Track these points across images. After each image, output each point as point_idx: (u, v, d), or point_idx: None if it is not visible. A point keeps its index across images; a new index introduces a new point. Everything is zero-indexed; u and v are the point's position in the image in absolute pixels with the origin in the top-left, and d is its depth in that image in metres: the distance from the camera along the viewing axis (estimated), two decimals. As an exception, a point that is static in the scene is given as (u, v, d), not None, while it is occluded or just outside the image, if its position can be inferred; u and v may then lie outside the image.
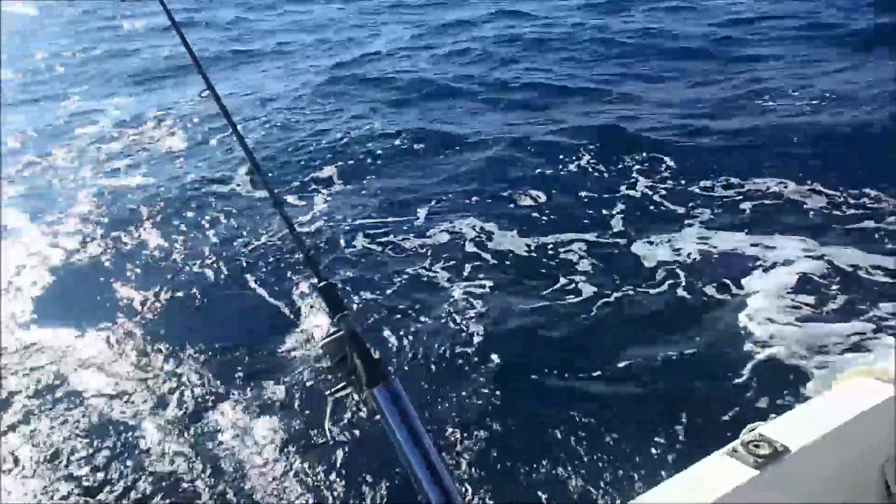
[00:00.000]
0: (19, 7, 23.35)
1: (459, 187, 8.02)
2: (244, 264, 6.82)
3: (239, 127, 1.98)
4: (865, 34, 11.56)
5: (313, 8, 18.46)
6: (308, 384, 5.04)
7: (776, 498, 1.78)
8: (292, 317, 5.95)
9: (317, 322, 5.71)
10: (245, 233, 7.41)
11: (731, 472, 1.74)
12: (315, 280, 1.55)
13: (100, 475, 4.50)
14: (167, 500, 4.27)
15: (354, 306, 5.89)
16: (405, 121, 10.26)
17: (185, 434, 4.75)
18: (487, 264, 6.47)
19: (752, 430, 1.83)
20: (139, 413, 5.00)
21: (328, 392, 1.47)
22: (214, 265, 6.84)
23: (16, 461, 4.65)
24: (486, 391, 4.80)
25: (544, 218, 7.21)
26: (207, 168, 9.25)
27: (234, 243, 7.22)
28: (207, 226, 7.66)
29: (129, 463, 4.57)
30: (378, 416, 1.41)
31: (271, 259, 6.86)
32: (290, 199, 8.12)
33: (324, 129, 10.14)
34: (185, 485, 4.34)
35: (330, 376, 1.50)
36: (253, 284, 6.49)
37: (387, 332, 5.51)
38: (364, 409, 1.44)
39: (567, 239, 6.75)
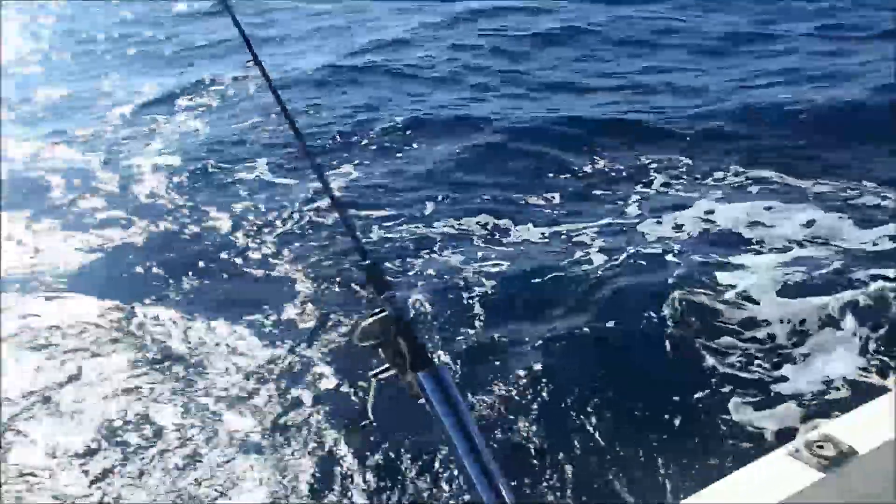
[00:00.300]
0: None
1: (472, 176, 7.91)
2: (279, 243, 6.72)
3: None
4: (889, 34, 11.23)
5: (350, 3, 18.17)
6: (350, 364, 4.92)
7: None
8: (332, 296, 5.82)
9: (360, 302, 5.59)
10: (274, 210, 7.32)
11: (793, 475, 1.58)
12: (360, 259, 1.45)
13: (131, 444, 4.46)
14: (198, 472, 4.22)
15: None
16: (418, 109, 10.08)
17: (216, 410, 4.67)
18: (502, 247, 6.38)
19: (814, 428, 1.64)
20: (168, 387, 4.95)
21: (371, 374, 1.38)
22: (247, 244, 6.76)
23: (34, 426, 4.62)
24: (516, 375, 4.72)
25: (558, 200, 7.14)
26: (237, 148, 9.16)
27: (265, 222, 7.14)
28: (237, 207, 7.55)
29: (157, 438, 4.52)
30: (422, 400, 1.31)
31: (306, 237, 6.77)
32: (293, 182, 7.93)
33: (335, 116, 9.89)
34: (216, 462, 4.27)
35: (373, 357, 1.39)
36: (288, 263, 6.38)
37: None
38: (408, 392, 1.35)
39: (581, 222, 6.69)
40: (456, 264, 6.12)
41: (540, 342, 5.03)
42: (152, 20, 17.60)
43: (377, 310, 1.37)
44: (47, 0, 20.25)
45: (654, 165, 7.65)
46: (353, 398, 4.63)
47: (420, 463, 4.07)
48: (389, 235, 6.71)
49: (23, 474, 4.23)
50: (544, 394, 4.56)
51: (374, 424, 3.44)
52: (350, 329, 5.23)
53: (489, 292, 5.69)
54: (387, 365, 1.35)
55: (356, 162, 8.44)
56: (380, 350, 1.36)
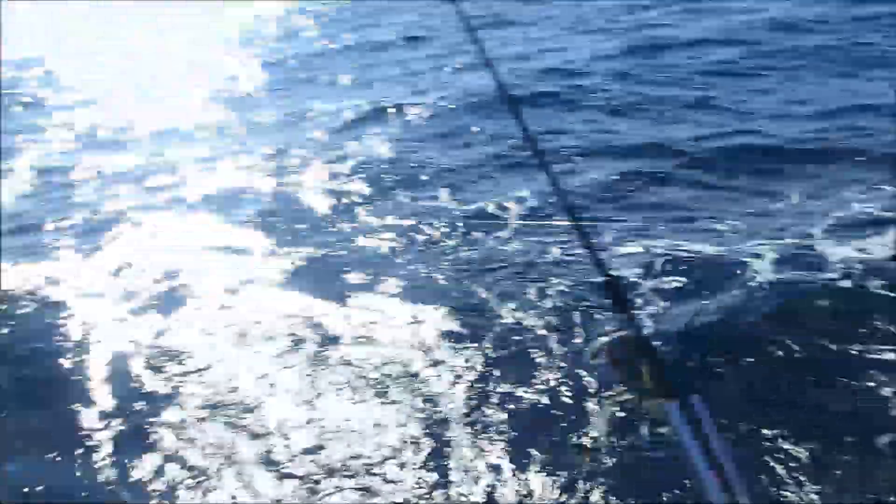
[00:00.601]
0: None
1: (651, 198, 7.63)
2: (477, 258, 6.73)
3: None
4: None
5: (527, 29, 18.15)
6: (585, 383, 4.56)
7: None
8: (569, 309, 5.49)
9: (596, 319, 5.01)
10: (458, 230, 7.35)
11: None
12: (599, 274, 1.32)
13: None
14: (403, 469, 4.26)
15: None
16: (594, 134, 9.78)
17: (427, 416, 4.59)
18: (680, 266, 6.06)
19: None
20: (361, 378, 5.09)
21: (608, 395, 1.25)
22: (437, 261, 6.80)
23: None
24: (713, 394, 4.33)
25: (741, 224, 6.74)
26: (418, 170, 9.33)
27: (453, 244, 7.18)
28: (419, 227, 7.61)
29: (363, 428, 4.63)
30: (668, 430, 1.16)
31: (504, 253, 6.77)
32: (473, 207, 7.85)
33: (510, 139, 9.61)
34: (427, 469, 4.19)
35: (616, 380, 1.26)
36: (495, 278, 6.31)
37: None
38: (647, 418, 1.21)
39: (759, 240, 6.29)
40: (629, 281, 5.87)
41: (712, 367, 4.64)
42: (363, 45, 18.52)
43: (618, 329, 1.24)
44: (263, 39, 21.97)
45: (848, 187, 7.03)
46: (588, 418, 4.27)
47: (655, 494, 3.43)
48: (566, 258, 6.52)
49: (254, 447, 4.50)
50: (736, 412, 4.17)
51: (609, 449, 3.12)
52: (585, 346, 4.82)
53: (660, 311, 5.36)
54: (627, 388, 1.22)
55: (532, 182, 8.32)
56: (620, 371, 1.22)
